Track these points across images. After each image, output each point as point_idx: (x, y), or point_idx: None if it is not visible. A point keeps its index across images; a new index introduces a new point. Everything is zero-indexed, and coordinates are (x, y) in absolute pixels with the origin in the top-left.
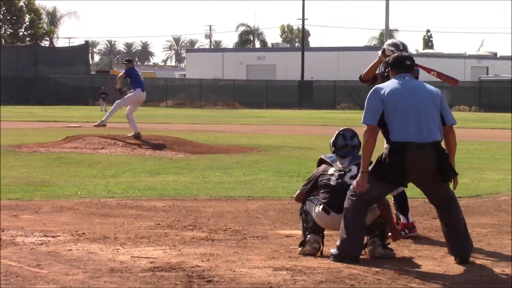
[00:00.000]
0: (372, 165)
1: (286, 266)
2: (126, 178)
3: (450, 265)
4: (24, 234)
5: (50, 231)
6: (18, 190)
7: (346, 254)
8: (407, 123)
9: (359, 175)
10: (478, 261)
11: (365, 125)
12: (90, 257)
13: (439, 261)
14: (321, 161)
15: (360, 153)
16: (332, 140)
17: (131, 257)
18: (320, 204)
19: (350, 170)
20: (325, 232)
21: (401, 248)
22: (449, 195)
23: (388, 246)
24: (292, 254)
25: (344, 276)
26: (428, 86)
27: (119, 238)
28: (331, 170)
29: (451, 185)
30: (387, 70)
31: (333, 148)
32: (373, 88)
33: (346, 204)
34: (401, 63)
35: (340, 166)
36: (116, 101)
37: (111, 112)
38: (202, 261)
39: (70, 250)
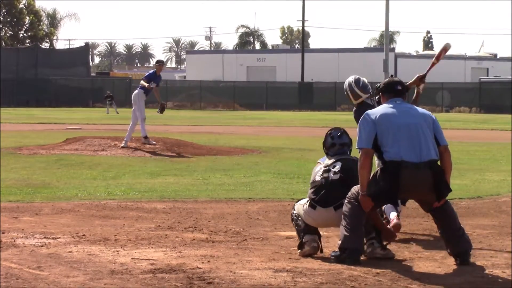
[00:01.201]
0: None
1: (286, 267)
2: (127, 180)
3: (450, 267)
4: (25, 236)
5: (50, 233)
6: (19, 192)
7: (349, 251)
8: (401, 142)
9: (360, 197)
10: (478, 263)
11: (359, 149)
12: (91, 259)
13: (439, 262)
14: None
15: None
16: (323, 141)
17: (132, 259)
18: (307, 202)
19: (334, 166)
20: (323, 233)
21: (402, 250)
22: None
23: (387, 246)
24: (293, 255)
25: (345, 278)
26: (420, 109)
27: (119, 240)
28: (318, 167)
29: None
30: (378, 95)
31: (324, 149)
32: (365, 113)
33: (345, 208)
34: (392, 88)
35: (327, 162)
36: (139, 118)
37: (143, 127)
38: (203, 262)
39: (70, 252)
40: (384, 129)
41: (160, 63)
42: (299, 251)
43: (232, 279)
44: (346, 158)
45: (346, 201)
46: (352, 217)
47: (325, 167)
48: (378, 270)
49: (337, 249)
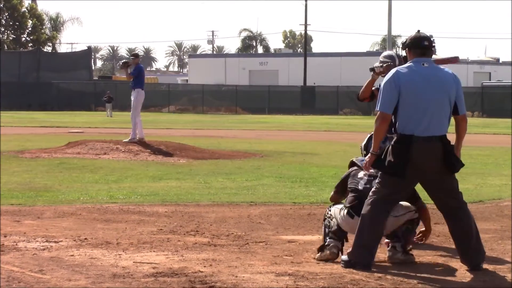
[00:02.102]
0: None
1: (288, 271)
2: (129, 184)
3: (452, 271)
4: (27, 240)
5: (52, 237)
6: (21, 195)
7: (357, 263)
8: (416, 116)
9: (368, 155)
10: None
11: (379, 111)
12: (93, 263)
13: (441, 266)
14: (352, 164)
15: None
16: (363, 143)
17: (134, 262)
18: (345, 208)
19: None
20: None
21: None
22: (460, 201)
23: (409, 251)
24: (295, 259)
25: (347, 282)
26: (447, 74)
27: (121, 244)
28: (360, 174)
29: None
30: (404, 51)
31: (365, 152)
32: (394, 72)
33: (364, 209)
34: (418, 43)
35: (371, 170)
36: (132, 116)
37: (135, 126)
38: (205, 266)
39: (72, 255)
40: (405, 98)
41: (133, 57)
42: (318, 254)
43: (234, 283)
44: None
45: (366, 201)
46: (369, 222)
47: (369, 176)
48: (380, 274)
49: (346, 255)
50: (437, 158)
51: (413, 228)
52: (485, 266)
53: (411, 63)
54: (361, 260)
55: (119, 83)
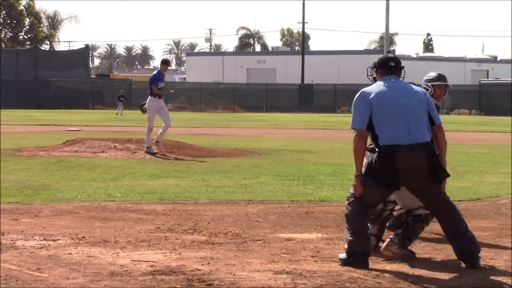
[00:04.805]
0: (364, 170)
1: (286, 269)
2: (126, 182)
3: (450, 269)
4: (24, 238)
5: (50, 235)
6: (18, 193)
7: (357, 254)
8: (395, 125)
9: (354, 179)
10: None
11: (353, 130)
12: (90, 261)
13: (439, 264)
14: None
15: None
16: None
17: (131, 260)
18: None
19: None
20: (323, 235)
21: None
22: (445, 200)
23: (408, 248)
24: (293, 257)
25: (345, 280)
26: (415, 87)
27: (119, 242)
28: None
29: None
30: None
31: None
32: (360, 92)
33: (346, 210)
34: (385, 64)
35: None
36: (148, 123)
37: (148, 134)
38: (202, 264)
39: (70, 253)
40: (378, 111)
41: (165, 63)
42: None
43: (232, 281)
44: None
45: (346, 202)
46: (354, 219)
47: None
48: (377, 272)
49: (344, 253)
50: (421, 167)
51: (414, 226)
52: (483, 264)
53: (378, 82)
54: (359, 250)
55: (116, 81)
